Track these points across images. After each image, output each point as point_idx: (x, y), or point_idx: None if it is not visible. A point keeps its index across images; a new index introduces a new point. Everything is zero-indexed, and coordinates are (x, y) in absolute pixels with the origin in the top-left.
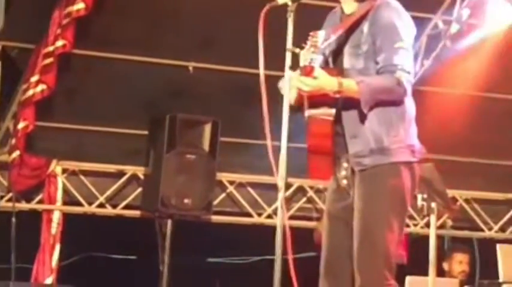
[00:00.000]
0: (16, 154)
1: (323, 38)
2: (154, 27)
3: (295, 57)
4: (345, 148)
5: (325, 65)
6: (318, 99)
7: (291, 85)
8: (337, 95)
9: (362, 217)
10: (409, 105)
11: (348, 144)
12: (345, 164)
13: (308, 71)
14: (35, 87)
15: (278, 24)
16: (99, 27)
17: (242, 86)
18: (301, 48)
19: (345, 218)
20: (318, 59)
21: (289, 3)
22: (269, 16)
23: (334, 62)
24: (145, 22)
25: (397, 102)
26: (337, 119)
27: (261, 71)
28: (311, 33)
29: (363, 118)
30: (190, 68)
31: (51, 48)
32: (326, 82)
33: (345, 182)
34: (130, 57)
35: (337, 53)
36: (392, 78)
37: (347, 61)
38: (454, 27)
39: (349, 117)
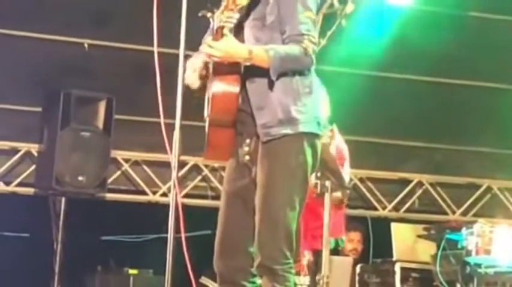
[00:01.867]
0: None
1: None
2: (48, 4)
3: (190, 34)
4: (249, 124)
5: None
6: (224, 69)
7: (199, 59)
8: (247, 63)
9: (264, 193)
10: (314, 76)
11: (255, 116)
12: (248, 140)
13: (220, 34)
14: None
15: (174, 2)
16: None
17: (137, 64)
18: (212, 13)
19: (244, 196)
20: (235, 18)
21: None
22: None
23: (236, 34)
24: None
25: (304, 73)
26: (241, 91)
27: (155, 48)
28: None
29: (269, 89)
30: (86, 45)
31: None
32: (237, 48)
33: (247, 158)
34: (23, 34)
35: (237, 27)
36: (299, 47)
37: (249, 34)
38: (350, 7)
39: (255, 89)
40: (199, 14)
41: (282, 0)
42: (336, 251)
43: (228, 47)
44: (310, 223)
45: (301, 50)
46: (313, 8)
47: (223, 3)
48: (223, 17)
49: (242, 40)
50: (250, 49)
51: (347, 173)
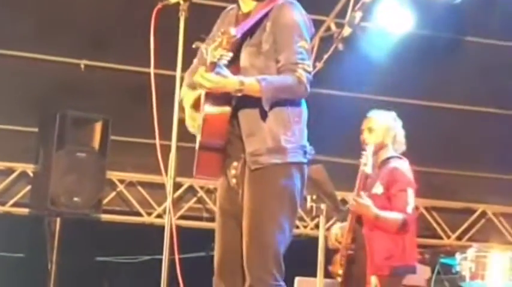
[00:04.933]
0: None
1: (234, 36)
2: (45, 25)
3: (188, 56)
4: (238, 148)
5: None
6: (214, 96)
7: (194, 81)
8: (238, 94)
9: (252, 216)
10: (303, 105)
11: (245, 142)
12: (235, 163)
13: (212, 68)
14: None
15: (170, 24)
16: None
17: (134, 85)
18: (207, 43)
19: (236, 216)
20: (228, 57)
21: (181, 2)
22: (161, 16)
23: (231, 60)
24: (37, 19)
25: (296, 102)
26: (232, 117)
27: (152, 69)
28: (222, 30)
29: (260, 117)
30: (82, 66)
31: None
32: (228, 80)
33: (234, 181)
34: (20, 54)
35: (235, 51)
36: (293, 77)
37: (246, 60)
38: (347, 30)
39: (246, 115)
40: (193, 46)
41: (277, 29)
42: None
43: (220, 79)
44: (380, 247)
45: (294, 79)
46: (307, 38)
47: (218, 40)
48: (216, 54)
49: (238, 64)
50: (241, 80)
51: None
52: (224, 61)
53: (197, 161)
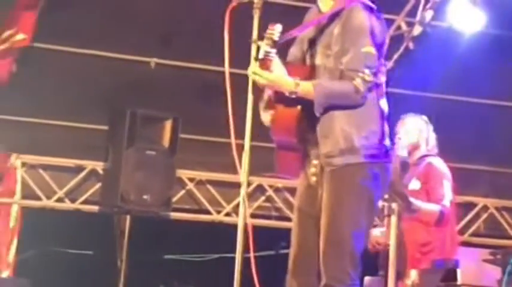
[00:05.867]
0: None
1: (279, 32)
2: (116, 23)
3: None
4: (316, 146)
5: (301, 61)
6: (283, 96)
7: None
8: (293, 96)
9: (329, 215)
10: (382, 105)
11: (320, 144)
12: (315, 161)
13: (266, 65)
14: None
15: (240, 22)
16: (62, 21)
17: (203, 83)
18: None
19: (315, 215)
20: (273, 53)
21: (255, 0)
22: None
23: (311, 58)
24: (108, 17)
25: (372, 101)
26: (310, 117)
27: (226, 68)
28: (269, 27)
29: (333, 118)
30: (152, 64)
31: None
32: (282, 80)
33: (314, 179)
34: (91, 52)
35: (312, 50)
36: (350, 85)
37: (319, 59)
38: (417, 29)
39: (321, 117)
40: (252, 42)
41: (345, 31)
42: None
43: (274, 77)
44: (419, 241)
45: (351, 87)
46: (375, 43)
47: (265, 36)
48: (263, 49)
49: (314, 63)
50: (297, 82)
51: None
52: (271, 58)
53: (276, 160)
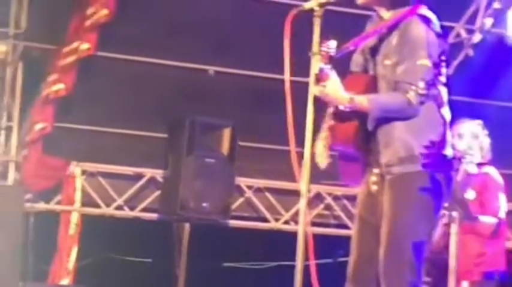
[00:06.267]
0: (26, 151)
1: (334, 48)
2: (174, 30)
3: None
4: (378, 155)
5: (363, 69)
6: (340, 109)
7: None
8: (347, 109)
9: (389, 223)
10: (443, 114)
11: (381, 153)
12: (375, 170)
13: (321, 79)
14: (51, 86)
15: (299, 30)
16: (120, 30)
17: (261, 91)
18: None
19: (375, 223)
20: (328, 68)
21: (316, 8)
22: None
23: (372, 66)
24: (166, 25)
25: (432, 110)
26: (361, 127)
27: (287, 76)
28: (324, 43)
29: (394, 127)
30: (210, 72)
31: (70, 48)
32: (336, 95)
33: (374, 187)
34: (150, 60)
35: (373, 60)
36: (403, 98)
37: (380, 68)
38: (477, 37)
39: (382, 127)
40: (310, 54)
41: (403, 43)
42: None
43: (330, 91)
44: (473, 252)
45: (404, 100)
46: (432, 55)
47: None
48: (317, 65)
49: (375, 72)
50: (352, 97)
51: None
52: (324, 74)
53: (338, 169)
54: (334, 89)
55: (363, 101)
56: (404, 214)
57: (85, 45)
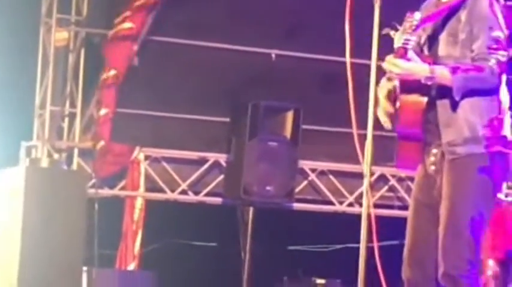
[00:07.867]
0: (101, 143)
1: (419, 20)
2: (237, 15)
3: (380, 45)
4: (437, 136)
5: (419, 53)
6: (409, 87)
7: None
8: (429, 82)
9: (449, 204)
10: (503, 95)
11: (442, 133)
12: (435, 150)
13: (401, 53)
14: (108, 71)
15: (361, 13)
16: (181, 14)
17: (324, 74)
18: (396, 30)
19: (432, 204)
20: (413, 41)
21: None
22: (354, 3)
23: (429, 49)
24: (228, 10)
25: (493, 91)
26: (430, 107)
27: (348, 58)
28: (407, 15)
29: (456, 107)
30: (273, 56)
31: (117, 30)
32: (418, 67)
33: (432, 168)
34: (212, 45)
35: (432, 41)
36: (487, 66)
37: (443, 49)
38: None
39: (443, 105)
40: (383, 32)
41: (473, 18)
42: None
43: (409, 65)
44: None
45: (487, 69)
46: (503, 28)
47: (404, 24)
48: (401, 38)
49: (436, 52)
50: (432, 68)
51: None
52: (410, 45)
53: (397, 152)
54: (415, 61)
55: (444, 71)
56: (466, 195)
57: (127, 25)
